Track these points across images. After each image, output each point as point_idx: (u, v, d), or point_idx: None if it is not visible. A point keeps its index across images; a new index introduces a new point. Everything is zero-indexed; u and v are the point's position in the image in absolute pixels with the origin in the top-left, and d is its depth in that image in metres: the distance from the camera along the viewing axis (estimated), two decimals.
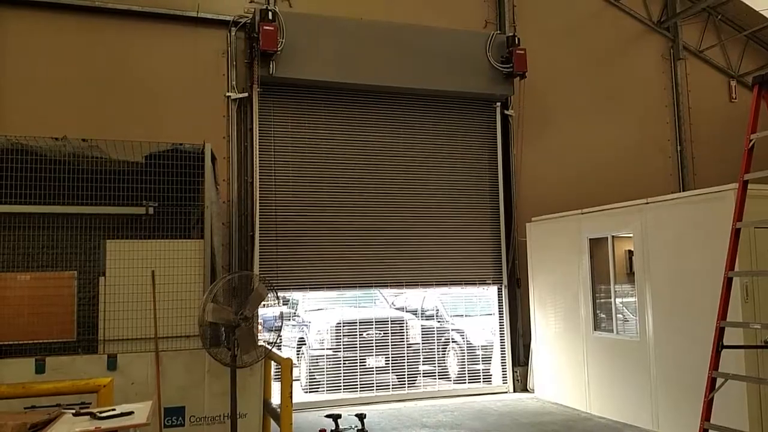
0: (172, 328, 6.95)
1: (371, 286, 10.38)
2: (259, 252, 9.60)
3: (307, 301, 11.69)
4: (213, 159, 7.89)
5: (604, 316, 8.91)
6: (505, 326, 10.80)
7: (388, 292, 12.01)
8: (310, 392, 10.34)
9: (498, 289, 10.86)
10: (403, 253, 10.39)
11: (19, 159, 7.15)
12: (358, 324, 10.58)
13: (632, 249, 8.40)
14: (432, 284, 10.58)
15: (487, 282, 10.80)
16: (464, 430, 8.23)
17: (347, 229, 10.15)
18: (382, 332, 10.65)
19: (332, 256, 10.03)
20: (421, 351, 10.96)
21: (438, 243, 10.60)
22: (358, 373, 10.31)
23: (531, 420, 8.70)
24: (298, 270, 9.84)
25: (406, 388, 10.48)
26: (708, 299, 6.84)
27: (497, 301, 10.93)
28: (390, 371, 10.62)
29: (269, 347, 6.72)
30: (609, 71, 12.36)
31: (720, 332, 5.32)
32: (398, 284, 10.41)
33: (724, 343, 5.32)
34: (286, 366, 6.33)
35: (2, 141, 7.16)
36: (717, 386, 5.27)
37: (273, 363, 7.08)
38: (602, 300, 8.91)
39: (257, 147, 9.77)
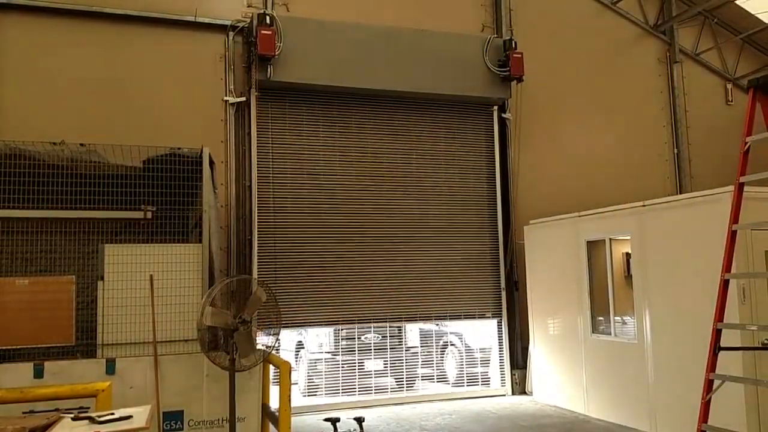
0: (171, 332, 6.95)
1: (369, 321, 10.22)
2: (258, 255, 9.60)
3: None
4: (211, 163, 7.91)
5: (602, 318, 8.92)
6: (503, 329, 10.80)
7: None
8: (308, 396, 10.34)
9: (498, 321, 10.84)
10: (400, 265, 10.36)
11: (18, 164, 7.15)
12: (356, 327, 10.57)
13: (630, 251, 8.43)
14: (431, 318, 10.53)
15: (486, 315, 10.77)
16: None
17: (345, 237, 10.16)
18: (380, 335, 10.65)
19: (329, 271, 9.98)
20: (419, 354, 10.97)
21: (436, 251, 10.58)
22: (357, 377, 10.31)
23: (529, 423, 8.71)
24: (294, 297, 9.82)
25: (404, 392, 10.48)
26: (705, 301, 6.85)
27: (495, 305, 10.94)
28: (388, 374, 10.62)
29: (268, 351, 6.72)
30: (606, 75, 12.40)
31: (717, 334, 5.33)
32: (396, 319, 10.30)
33: (722, 345, 5.33)
34: (284, 369, 6.34)
35: (0, 146, 7.17)
36: (714, 388, 5.28)
37: (272, 366, 7.08)
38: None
39: (255, 151, 9.79)
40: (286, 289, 9.69)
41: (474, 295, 10.72)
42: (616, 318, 8.62)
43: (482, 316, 10.74)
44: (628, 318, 8.41)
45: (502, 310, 10.83)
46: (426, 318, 10.49)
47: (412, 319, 10.39)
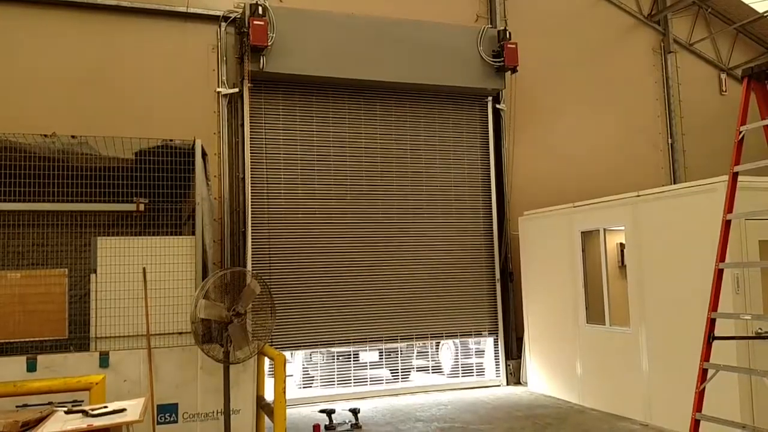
0: (165, 325, 6.93)
1: (365, 341, 10.12)
2: (251, 248, 9.57)
3: None
4: (204, 155, 7.86)
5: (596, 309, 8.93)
6: (498, 320, 10.82)
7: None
8: (303, 388, 10.34)
9: (494, 339, 10.80)
10: (396, 257, 10.34)
11: (8, 156, 7.09)
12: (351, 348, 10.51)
13: (624, 242, 8.43)
14: (427, 336, 10.42)
15: (483, 333, 10.71)
16: (458, 423, 8.25)
17: (339, 229, 10.13)
18: None
19: (324, 265, 9.94)
20: (414, 345, 10.97)
21: (432, 241, 10.55)
22: (352, 368, 10.31)
23: (524, 413, 8.73)
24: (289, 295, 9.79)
25: (399, 383, 10.50)
26: (699, 291, 6.87)
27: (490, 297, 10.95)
28: (384, 366, 10.62)
29: (262, 343, 6.70)
30: (600, 65, 12.38)
31: (711, 323, 5.34)
32: (392, 338, 10.22)
33: (716, 335, 5.35)
34: (279, 361, 6.32)
35: None
36: (708, 377, 5.30)
37: (266, 359, 7.07)
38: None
39: (248, 142, 9.74)
40: (279, 293, 9.66)
41: (470, 287, 10.71)
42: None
43: (479, 334, 10.71)
44: (627, 328, 8.38)
45: (497, 309, 10.80)
46: (422, 337, 10.40)
47: (408, 337, 10.31)
